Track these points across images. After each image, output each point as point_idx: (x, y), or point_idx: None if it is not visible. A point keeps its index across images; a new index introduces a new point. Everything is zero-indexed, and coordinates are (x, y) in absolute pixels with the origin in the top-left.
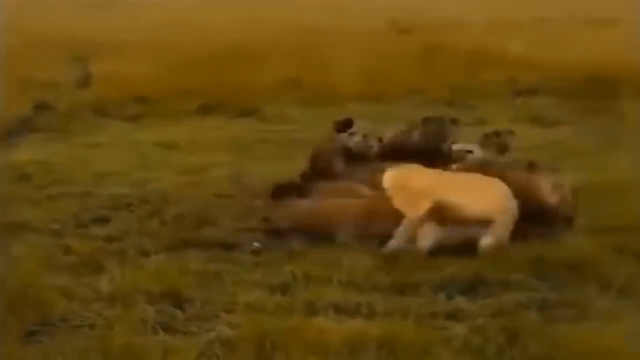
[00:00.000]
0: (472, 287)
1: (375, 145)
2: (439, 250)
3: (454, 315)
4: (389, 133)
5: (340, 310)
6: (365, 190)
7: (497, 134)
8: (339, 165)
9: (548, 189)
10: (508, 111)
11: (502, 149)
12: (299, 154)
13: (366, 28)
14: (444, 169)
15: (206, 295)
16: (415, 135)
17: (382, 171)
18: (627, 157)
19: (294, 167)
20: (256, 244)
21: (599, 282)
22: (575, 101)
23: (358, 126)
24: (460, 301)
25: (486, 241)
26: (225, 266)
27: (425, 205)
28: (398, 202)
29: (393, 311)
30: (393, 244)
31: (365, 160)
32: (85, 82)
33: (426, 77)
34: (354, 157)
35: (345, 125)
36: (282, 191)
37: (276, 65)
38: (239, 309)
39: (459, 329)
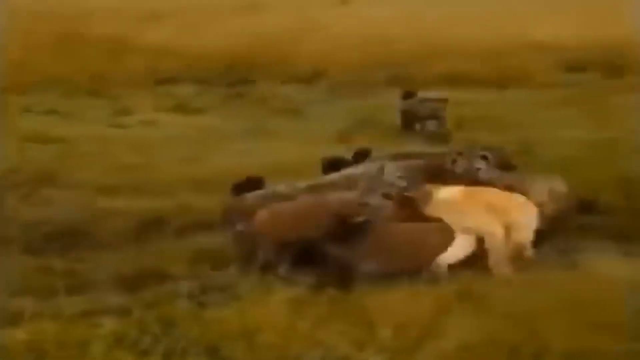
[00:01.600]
0: (130, 281)
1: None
2: None
3: (108, 311)
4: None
5: None
6: None
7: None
8: None
9: None
10: (151, 100)
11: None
12: None
13: None
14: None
15: None
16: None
17: None
18: (274, 141)
19: None
20: None
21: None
22: (217, 88)
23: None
24: (115, 296)
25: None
26: None
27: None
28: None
29: (43, 314)
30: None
31: None
32: None
33: (66, 66)
34: None
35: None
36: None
37: None
38: None
39: (112, 325)
